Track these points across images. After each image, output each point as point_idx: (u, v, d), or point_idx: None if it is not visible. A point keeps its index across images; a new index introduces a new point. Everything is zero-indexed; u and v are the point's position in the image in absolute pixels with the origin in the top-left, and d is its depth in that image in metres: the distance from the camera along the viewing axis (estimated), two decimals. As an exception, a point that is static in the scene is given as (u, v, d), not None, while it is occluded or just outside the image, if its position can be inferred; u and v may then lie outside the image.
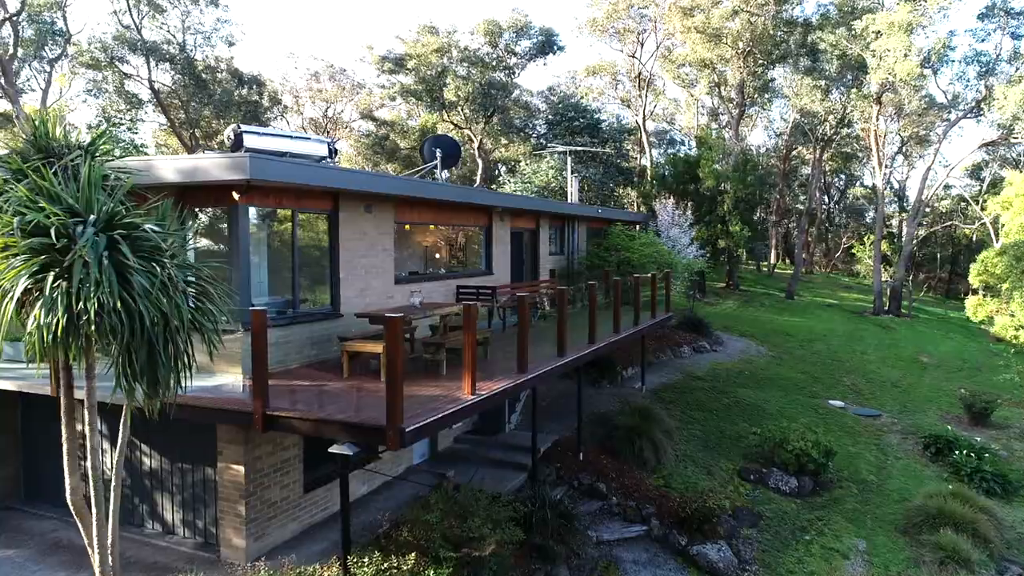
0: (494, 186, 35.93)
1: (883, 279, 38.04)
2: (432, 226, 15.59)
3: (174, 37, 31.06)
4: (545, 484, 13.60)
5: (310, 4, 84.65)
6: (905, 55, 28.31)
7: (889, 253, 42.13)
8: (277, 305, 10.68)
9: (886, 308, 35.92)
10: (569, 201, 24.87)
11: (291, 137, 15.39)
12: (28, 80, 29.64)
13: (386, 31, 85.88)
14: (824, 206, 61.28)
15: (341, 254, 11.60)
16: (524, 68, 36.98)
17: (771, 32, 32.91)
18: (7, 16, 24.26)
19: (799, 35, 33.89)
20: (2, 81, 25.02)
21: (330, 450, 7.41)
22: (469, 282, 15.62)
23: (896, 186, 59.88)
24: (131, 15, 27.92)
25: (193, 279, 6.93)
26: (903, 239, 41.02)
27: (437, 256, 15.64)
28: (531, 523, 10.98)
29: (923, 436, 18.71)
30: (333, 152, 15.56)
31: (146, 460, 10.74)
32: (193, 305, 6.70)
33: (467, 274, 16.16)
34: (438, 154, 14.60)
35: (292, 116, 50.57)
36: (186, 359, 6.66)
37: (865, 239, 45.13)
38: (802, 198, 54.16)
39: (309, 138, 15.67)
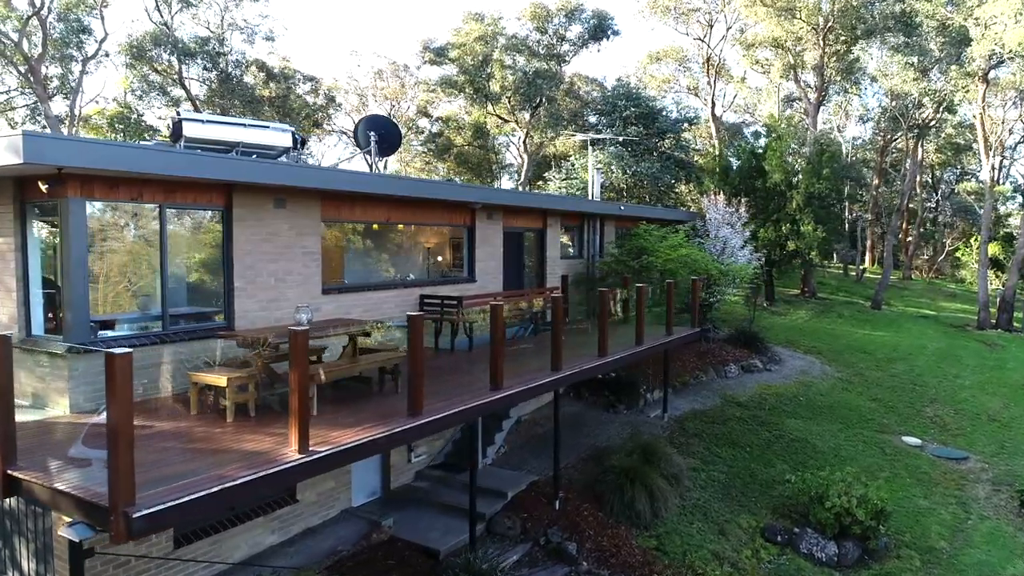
0: (540, 183, 33.47)
1: (992, 287, 32.75)
2: (399, 226, 13.48)
3: (213, 33, 30.53)
4: (505, 539, 11.23)
5: (377, 3, 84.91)
6: (1016, 20, 23.65)
7: (1002, 257, 36.28)
8: (137, 320, 8.83)
9: (993, 322, 30.77)
10: (590, 197, 22.13)
11: (244, 125, 13.69)
12: (71, 81, 29.73)
13: (445, 25, 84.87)
14: (930, 204, 54.78)
15: (237, 258, 9.64)
16: (576, 55, 34.39)
17: (854, 4, 28.64)
18: (34, 11, 24.08)
19: (888, 5, 29.39)
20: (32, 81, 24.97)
21: (59, 532, 5.38)
22: (440, 291, 13.38)
23: (1021, 180, 52.80)
24: (160, 12, 27.49)
25: None
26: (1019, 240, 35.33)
27: (395, 260, 13.49)
28: (451, 606, 8.68)
29: (1021, 488, 14.90)
30: (300, 142, 13.74)
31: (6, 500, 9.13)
32: None
33: (441, 281, 13.92)
34: (373, 138, 12.43)
35: (356, 115, 49.95)
36: None
37: (972, 241, 39.30)
38: (914, 194, 48.46)
39: (268, 126, 13.93)
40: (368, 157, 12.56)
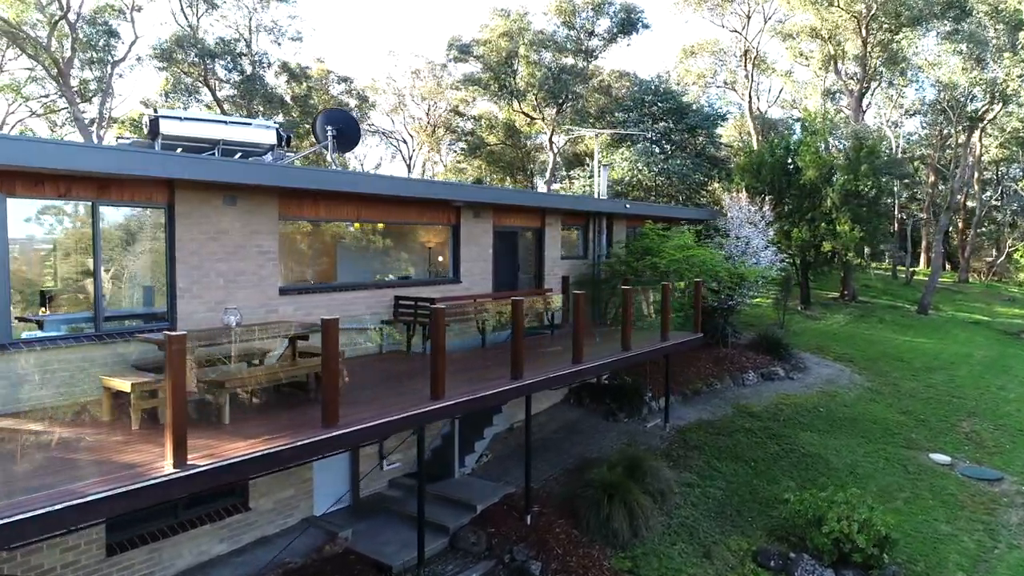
0: (564, 183, 32.70)
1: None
2: (380, 224, 13.04)
3: (240, 35, 30.85)
4: (468, 556, 10.64)
5: (417, 4, 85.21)
6: (1074, 2, 21.72)
7: (1065, 258, 33.71)
8: (68, 320, 8.58)
9: (1053, 328, 28.54)
10: (596, 195, 21.25)
11: (224, 122, 13.47)
12: (101, 83, 30.38)
13: (477, 23, 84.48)
14: (995, 202, 51.45)
15: (181, 258, 9.32)
16: (605, 49, 33.41)
17: (898, -11, 26.89)
18: (62, 14, 24.65)
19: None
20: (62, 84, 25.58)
21: None
22: (422, 292, 12.86)
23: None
24: (184, 15, 27.92)
25: None
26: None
27: (369, 260, 13.03)
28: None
29: (1060, 516, 13.50)
30: (285, 140, 13.46)
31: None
32: None
33: (423, 282, 13.42)
34: (330, 133, 11.98)
35: (394, 115, 50.03)
36: None
37: (1032, 241, 36.72)
38: (971, 192, 45.60)
39: (251, 123, 13.69)
40: (326, 151, 12.15)
